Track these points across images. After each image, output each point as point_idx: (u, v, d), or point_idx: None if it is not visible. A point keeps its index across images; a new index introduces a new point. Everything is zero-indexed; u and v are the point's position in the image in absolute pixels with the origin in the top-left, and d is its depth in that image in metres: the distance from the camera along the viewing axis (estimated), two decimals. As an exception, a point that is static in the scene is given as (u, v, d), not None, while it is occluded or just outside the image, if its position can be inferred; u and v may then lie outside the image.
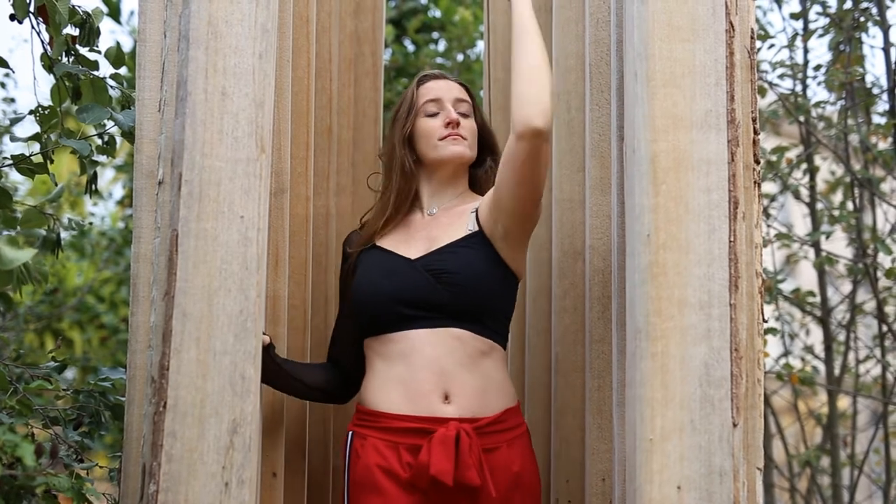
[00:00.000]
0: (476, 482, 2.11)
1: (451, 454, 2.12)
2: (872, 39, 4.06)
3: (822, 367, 4.32)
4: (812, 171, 4.19)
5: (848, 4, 3.92)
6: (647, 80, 1.92)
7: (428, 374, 2.20)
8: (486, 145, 2.46)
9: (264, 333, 2.16)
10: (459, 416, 2.18)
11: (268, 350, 2.18)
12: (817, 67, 4.08)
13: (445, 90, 2.41)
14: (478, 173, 2.45)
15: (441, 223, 2.35)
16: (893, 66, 3.82)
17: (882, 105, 4.07)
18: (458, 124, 2.36)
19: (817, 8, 4.07)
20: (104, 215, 6.54)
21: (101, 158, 2.55)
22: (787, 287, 4.30)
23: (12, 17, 2.35)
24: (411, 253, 2.31)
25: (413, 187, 2.40)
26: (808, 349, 4.45)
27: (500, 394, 2.24)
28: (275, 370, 2.24)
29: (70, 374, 5.63)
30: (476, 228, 2.29)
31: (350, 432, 2.27)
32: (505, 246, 2.27)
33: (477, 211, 2.32)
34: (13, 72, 2.52)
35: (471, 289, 2.22)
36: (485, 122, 2.47)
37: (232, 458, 1.84)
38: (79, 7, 2.40)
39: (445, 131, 2.36)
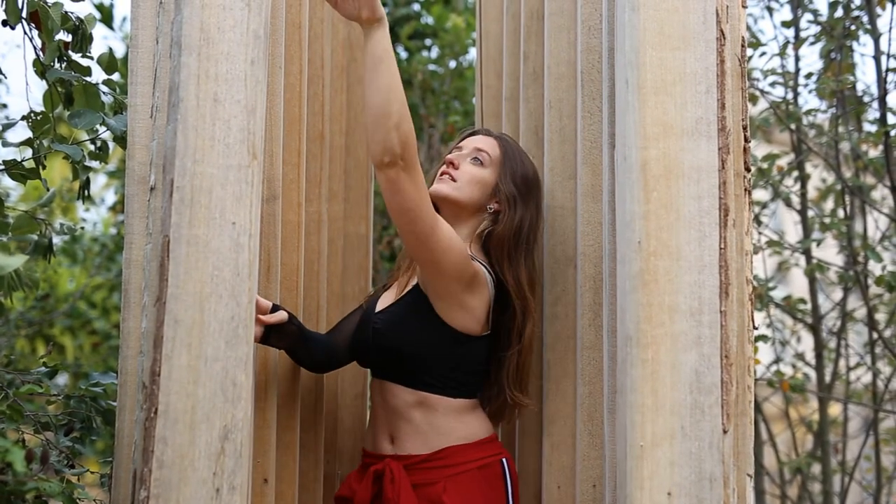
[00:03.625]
0: None
1: (368, 486, 2.32)
2: (863, 48, 4.09)
3: (813, 374, 4.33)
4: (803, 179, 4.21)
5: (839, 13, 3.94)
6: (638, 87, 1.93)
7: (379, 421, 2.40)
8: (493, 196, 2.43)
9: (281, 308, 2.32)
10: (395, 453, 2.34)
11: (292, 321, 2.35)
12: (808, 75, 4.09)
13: (473, 142, 2.47)
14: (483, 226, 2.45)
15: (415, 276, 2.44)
16: (884, 74, 3.83)
17: (873, 113, 4.09)
18: (452, 165, 2.42)
19: (808, 16, 4.09)
20: (96, 221, 6.52)
21: (94, 164, 2.54)
22: (778, 294, 4.31)
23: (5, 23, 2.35)
24: (383, 302, 2.43)
25: None
26: (799, 356, 4.46)
27: (440, 436, 2.33)
28: (302, 341, 2.40)
29: (61, 379, 5.62)
30: (415, 281, 2.37)
31: None
32: (438, 303, 2.31)
33: None
34: (5, 77, 2.52)
35: (395, 350, 2.33)
36: (502, 179, 2.42)
37: (223, 465, 1.84)
38: (71, 13, 2.40)
39: (441, 170, 2.45)
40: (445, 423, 2.33)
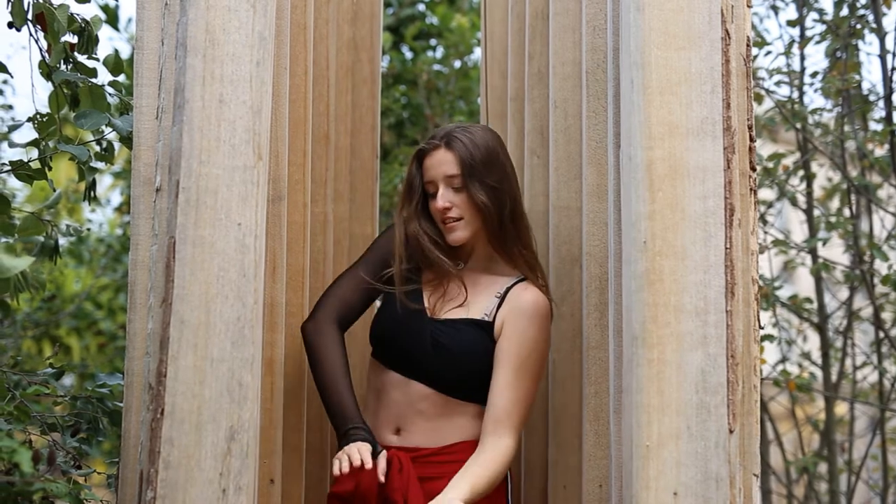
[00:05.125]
0: (398, 502, 2.24)
1: (374, 474, 2.26)
2: (869, 46, 4.07)
3: (819, 373, 4.32)
4: (809, 178, 4.20)
5: (844, 11, 3.93)
6: (644, 87, 1.93)
7: (388, 413, 2.38)
8: (484, 208, 2.38)
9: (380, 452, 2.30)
10: (401, 445, 2.34)
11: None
12: (814, 74, 4.09)
13: (436, 167, 2.38)
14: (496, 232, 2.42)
15: (468, 287, 2.42)
16: (890, 72, 3.82)
17: (878, 112, 4.08)
18: (447, 210, 2.37)
19: (814, 15, 4.08)
20: (102, 222, 6.52)
21: (100, 165, 2.55)
22: (784, 293, 4.30)
23: (10, 25, 2.35)
24: (432, 306, 2.41)
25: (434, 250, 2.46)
26: (806, 355, 4.45)
27: (455, 431, 2.34)
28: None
29: (68, 380, 5.62)
30: (490, 320, 2.36)
31: None
32: None
33: (500, 303, 2.37)
34: (12, 77, 2.53)
35: (459, 366, 2.33)
36: (475, 190, 2.36)
37: (229, 465, 1.85)
38: (77, 15, 2.40)
39: (441, 219, 2.41)
40: (464, 422, 2.34)
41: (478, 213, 2.37)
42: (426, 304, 2.42)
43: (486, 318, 2.36)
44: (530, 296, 2.36)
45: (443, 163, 2.38)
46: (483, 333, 2.34)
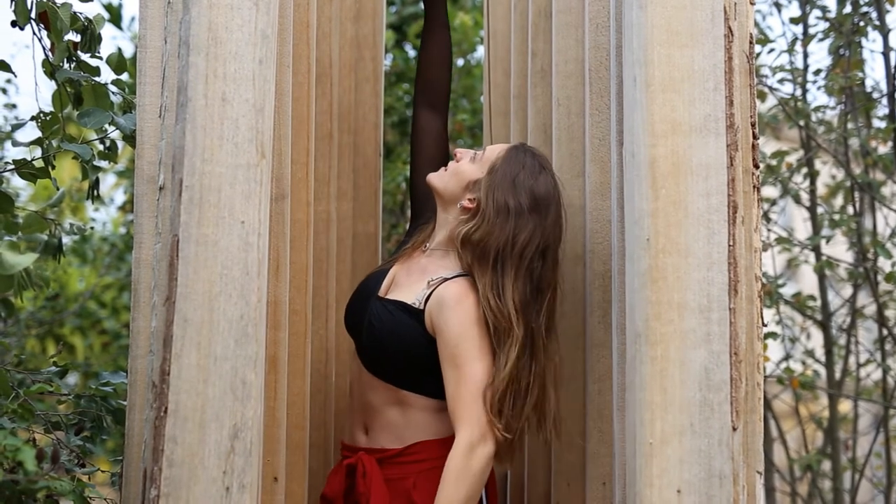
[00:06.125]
0: None
1: (341, 479, 2.35)
2: (872, 44, 4.08)
3: (822, 370, 4.32)
4: (812, 176, 4.20)
5: (847, 9, 3.93)
6: (647, 85, 1.92)
7: (357, 409, 2.41)
8: (467, 190, 2.36)
9: None
10: (369, 446, 2.35)
11: None
12: (817, 72, 4.08)
13: (491, 146, 2.43)
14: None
15: (415, 271, 2.41)
16: (893, 70, 3.82)
17: (882, 109, 4.08)
18: (455, 157, 2.41)
19: (817, 12, 4.08)
20: (105, 220, 6.54)
21: (103, 163, 2.55)
22: (787, 291, 4.30)
23: (14, 24, 2.35)
24: (387, 286, 2.41)
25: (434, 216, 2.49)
26: (809, 353, 4.46)
27: (414, 431, 2.32)
28: None
29: (72, 379, 5.64)
30: (420, 308, 2.30)
31: None
32: None
33: (432, 293, 2.29)
34: (15, 76, 2.53)
35: (384, 347, 2.31)
36: (491, 180, 2.31)
37: (233, 463, 1.85)
38: (80, 13, 2.40)
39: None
40: (422, 419, 2.32)
41: (452, 181, 2.37)
42: (384, 284, 2.42)
43: (416, 306, 2.29)
44: (451, 288, 2.28)
45: (497, 147, 2.40)
46: (412, 320, 2.29)
